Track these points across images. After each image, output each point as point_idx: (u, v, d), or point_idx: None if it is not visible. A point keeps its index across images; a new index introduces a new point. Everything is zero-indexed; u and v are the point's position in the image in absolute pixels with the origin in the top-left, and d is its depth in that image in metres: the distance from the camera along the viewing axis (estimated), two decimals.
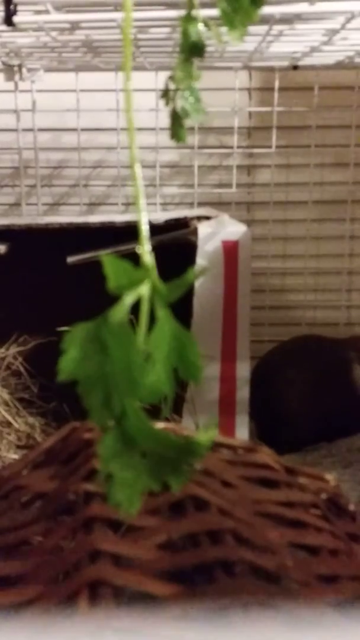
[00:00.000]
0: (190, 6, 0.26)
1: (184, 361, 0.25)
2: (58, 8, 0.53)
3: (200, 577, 0.29)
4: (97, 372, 0.24)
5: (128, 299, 0.24)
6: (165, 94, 0.27)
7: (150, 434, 0.24)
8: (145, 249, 0.25)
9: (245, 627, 0.25)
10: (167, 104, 0.27)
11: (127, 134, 0.25)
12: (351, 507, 0.39)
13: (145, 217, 0.25)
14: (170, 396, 0.25)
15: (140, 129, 0.86)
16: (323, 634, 0.26)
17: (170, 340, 0.24)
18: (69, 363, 0.24)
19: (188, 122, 0.27)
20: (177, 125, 0.27)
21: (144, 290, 0.24)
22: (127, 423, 0.24)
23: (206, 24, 0.26)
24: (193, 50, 0.26)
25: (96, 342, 0.24)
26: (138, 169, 0.25)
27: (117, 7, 0.53)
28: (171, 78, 0.26)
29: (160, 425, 0.39)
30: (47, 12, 0.53)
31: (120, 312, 0.24)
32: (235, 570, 0.29)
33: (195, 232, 0.72)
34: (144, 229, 0.25)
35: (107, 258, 0.24)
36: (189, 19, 0.26)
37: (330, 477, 0.39)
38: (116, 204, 0.91)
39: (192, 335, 0.25)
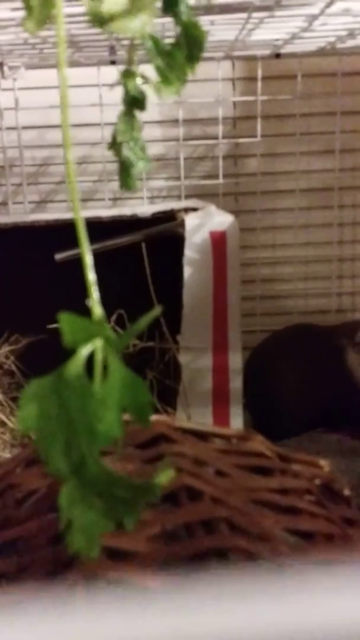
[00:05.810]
0: (129, 62, 0.26)
1: (135, 404, 0.26)
2: None
3: (195, 567, 0.29)
4: (56, 424, 0.25)
5: (83, 353, 0.25)
6: (113, 145, 0.28)
7: (109, 479, 0.25)
8: (94, 301, 0.26)
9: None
10: (115, 154, 0.28)
11: (62, 131, 0.25)
12: (346, 492, 0.39)
13: (91, 258, 0.26)
14: (121, 439, 0.26)
15: None
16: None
17: (121, 387, 0.25)
18: (28, 418, 0.25)
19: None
20: (125, 174, 0.28)
21: (97, 343, 0.25)
22: (86, 470, 0.24)
23: (144, 79, 0.27)
24: (134, 103, 0.27)
25: (54, 396, 0.25)
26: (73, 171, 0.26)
27: None
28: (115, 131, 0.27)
29: (153, 417, 0.39)
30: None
31: (76, 365, 0.25)
32: (230, 558, 0.29)
33: (182, 224, 0.72)
34: (91, 277, 0.26)
35: (64, 316, 0.25)
36: (127, 74, 0.26)
37: (324, 462, 0.39)
38: (103, 199, 0.91)
39: (141, 380, 0.26)
